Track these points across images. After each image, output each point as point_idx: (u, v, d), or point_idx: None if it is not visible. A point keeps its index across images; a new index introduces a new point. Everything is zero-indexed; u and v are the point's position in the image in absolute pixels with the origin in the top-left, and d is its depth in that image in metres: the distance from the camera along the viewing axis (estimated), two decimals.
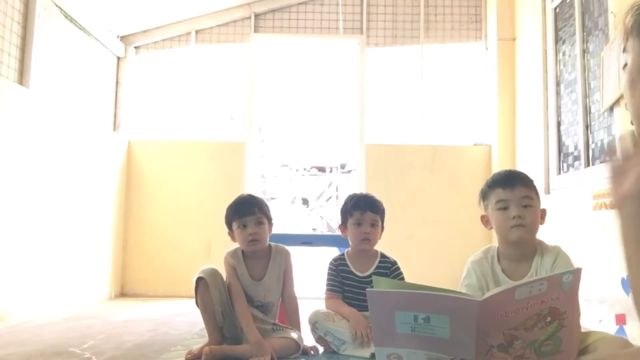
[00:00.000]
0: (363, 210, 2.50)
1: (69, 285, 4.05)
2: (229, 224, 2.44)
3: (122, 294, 4.92)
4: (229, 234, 2.47)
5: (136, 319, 3.62)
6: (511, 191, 1.75)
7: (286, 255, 2.52)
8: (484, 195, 1.87)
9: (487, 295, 0.85)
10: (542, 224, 1.80)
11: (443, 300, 0.88)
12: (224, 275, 2.42)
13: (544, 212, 1.82)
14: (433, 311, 0.88)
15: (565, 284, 0.89)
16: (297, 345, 2.31)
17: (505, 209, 1.75)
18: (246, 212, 2.39)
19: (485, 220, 1.87)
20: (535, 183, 1.92)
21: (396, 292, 0.94)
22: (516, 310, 0.87)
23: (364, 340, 2.27)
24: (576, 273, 0.92)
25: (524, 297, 0.87)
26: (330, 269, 2.56)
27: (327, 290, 2.54)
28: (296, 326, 2.46)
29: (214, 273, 2.34)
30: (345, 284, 2.52)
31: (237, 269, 2.40)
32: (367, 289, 0.95)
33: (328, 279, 2.55)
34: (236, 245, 2.47)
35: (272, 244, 2.51)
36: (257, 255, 2.45)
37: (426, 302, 0.90)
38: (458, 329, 0.87)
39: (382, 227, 2.57)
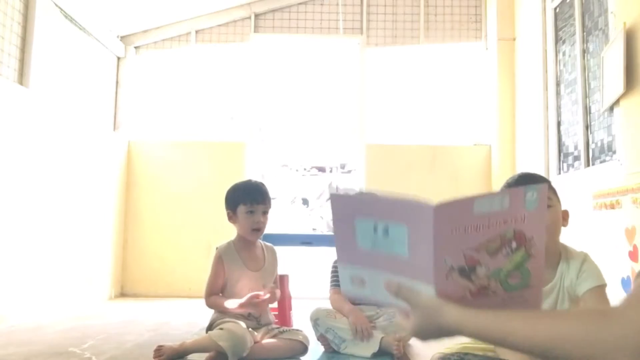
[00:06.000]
0: None
1: (69, 286, 4.04)
2: (234, 205, 2.41)
3: (122, 294, 4.92)
4: (228, 214, 2.44)
5: (136, 319, 3.62)
6: None
7: (275, 251, 2.57)
8: None
9: (443, 201, 0.80)
10: (565, 225, 1.71)
11: (400, 204, 0.83)
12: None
13: (565, 213, 1.72)
14: (391, 219, 0.84)
15: (529, 203, 0.84)
16: (303, 347, 2.32)
17: None
18: (259, 199, 2.39)
19: None
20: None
21: (356, 194, 0.93)
22: (476, 226, 0.81)
23: (363, 334, 2.35)
24: (541, 190, 0.84)
25: (484, 212, 0.81)
26: (334, 267, 2.63)
27: (332, 285, 2.61)
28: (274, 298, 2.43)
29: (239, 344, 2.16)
30: None
31: (233, 262, 2.39)
32: (330, 192, 0.95)
33: (332, 276, 2.63)
34: (222, 225, 2.47)
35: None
36: (250, 247, 2.46)
37: (384, 206, 0.86)
38: (416, 243, 0.82)
39: None
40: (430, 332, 0.86)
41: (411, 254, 0.85)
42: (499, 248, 0.84)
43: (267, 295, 2.29)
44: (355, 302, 2.55)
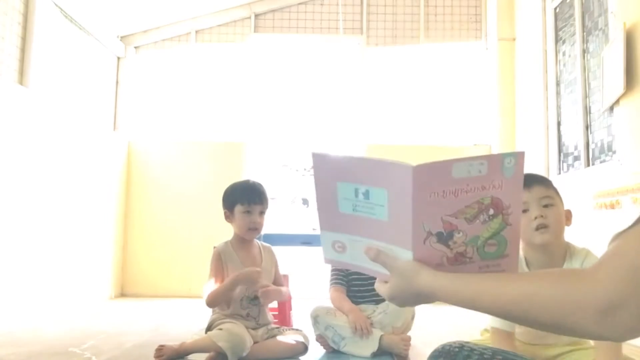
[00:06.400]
0: None
1: (69, 286, 4.04)
2: (231, 204, 2.41)
3: (122, 294, 4.92)
4: (225, 213, 2.44)
5: (136, 319, 3.62)
6: (529, 192, 1.63)
7: (273, 250, 2.57)
8: None
9: (422, 163, 0.80)
10: (568, 225, 1.70)
11: (380, 166, 0.84)
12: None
13: (569, 212, 1.70)
14: (371, 182, 0.85)
15: (507, 169, 0.84)
16: (304, 347, 2.32)
17: (525, 211, 1.63)
18: (256, 199, 2.39)
19: None
20: None
21: (338, 155, 0.93)
22: (455, 191, 0.82)
23: (362, 333, 2.36)
24: (519, 156, 0.84)
25: (463, 177, 0.82)
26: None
27: (333, 283, 2.62)
28: (277, 294, 2.44)
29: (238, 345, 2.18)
30: (350, 279, 2.62)
31: (230, 262, 2.39)
32: (312, 151, 0.93)
33: (332, 274, 2.65)
34: (222, 225, 2.48)
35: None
36: (247, 246, 2.46)
37: (364, 168, 0.87)
38: (395, 207, 0.83)
39: None
40: (406, 296, 0.86)
41: (390, 218, 0.85)
42: (477, 215, 0.85)
43: (263, 285, 2.29)
44: (355, 302, 2.55)
